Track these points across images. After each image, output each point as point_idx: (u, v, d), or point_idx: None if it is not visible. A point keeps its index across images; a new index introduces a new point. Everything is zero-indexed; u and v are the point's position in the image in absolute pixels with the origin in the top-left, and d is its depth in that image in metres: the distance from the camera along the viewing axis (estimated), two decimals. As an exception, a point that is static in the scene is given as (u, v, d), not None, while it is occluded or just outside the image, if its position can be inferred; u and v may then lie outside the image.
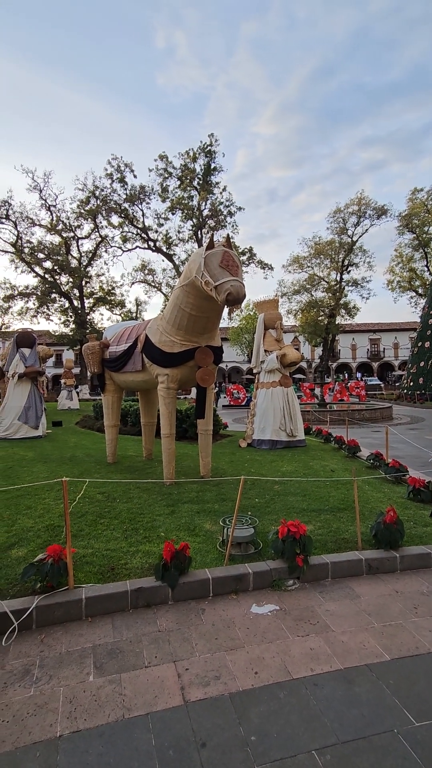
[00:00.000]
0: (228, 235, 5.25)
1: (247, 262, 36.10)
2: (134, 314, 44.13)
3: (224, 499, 5.22)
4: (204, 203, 34.08)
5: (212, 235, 5.13)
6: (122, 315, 40.36)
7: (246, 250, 35.81)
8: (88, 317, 34.80)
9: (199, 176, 34.86)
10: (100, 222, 33.05)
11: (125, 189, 31.87)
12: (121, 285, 37.65)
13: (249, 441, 9.63)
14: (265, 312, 9.85)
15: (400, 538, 3.63)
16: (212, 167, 34.41)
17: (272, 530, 3.69)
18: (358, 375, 53.98)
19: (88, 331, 32.86)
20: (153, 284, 35.69)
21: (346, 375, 53.34)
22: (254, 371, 10.06)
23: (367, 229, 31.88)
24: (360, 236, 31.90)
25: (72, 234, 33.16)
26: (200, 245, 34.72)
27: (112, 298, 37.22)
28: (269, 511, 4.75)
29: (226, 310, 5.21)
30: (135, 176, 32.34)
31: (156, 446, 8.48)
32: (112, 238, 34.74)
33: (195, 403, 6.56)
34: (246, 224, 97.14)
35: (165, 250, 35.18)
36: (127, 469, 7.10)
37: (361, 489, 5.61)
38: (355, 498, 3.83)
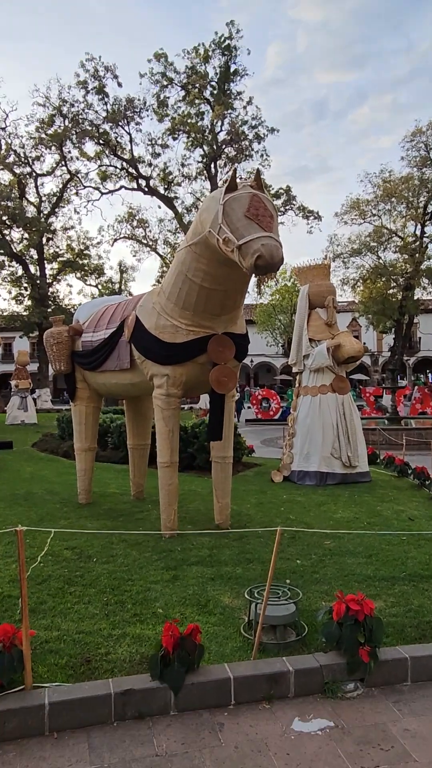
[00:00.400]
0: (257, 170, 5.27)
1: (282, 209, 36.21)
2: (118, 285, 44.75)
3: (250, 560, 5.23)
4: (220, 122, 34.33)
5: (234, 169, 5.16)
6: (100, 287, 40.94)
7: (281, 190, 35.94)
8: (51, 290, 35.35)
9: (214, 83, 35.15)
10: (69, 152, 33.62)
11: (105, 104, 32.35)
12: (98, 243, 38.42)
13: (286, 473, 9.64)
14: (311, 283, 9.85)
15: None
16: (232, 70, 34.67)
17: (323, 608, 3.67)
18: (450, 375, 53.36)
19: (50, 310, 33.41)
20: (145, 242, 36.05)
21: (429, 375, 52.74)
22: (294, 370, 10.06)
23: (461, 158, 31.52)
24: (451, 169, 31.56)
25: (28, 169, 33.80)
26: (214, 185, 34.95)
27: (86, 261, 37.76)
28: (317, 578, 4.74)
29: (253, 280, 5.23)
30: (120, 85, 33.19)
31: (150, 480, 8.53)
32: (86, 174, 35.35)
33: (207, 417, 6.59)
34: (281, 152, 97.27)
35: (162, 191, 35.57)
36: (108, 514, 7.17)
37: (454, 547, 5.54)
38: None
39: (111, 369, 6.80)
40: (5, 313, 35.88)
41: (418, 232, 32.27)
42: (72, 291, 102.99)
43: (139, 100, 31.98)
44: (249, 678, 3.23)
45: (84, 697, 3.02)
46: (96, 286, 40.74)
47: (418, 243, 31.35)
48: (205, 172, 34.50)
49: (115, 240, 37.73)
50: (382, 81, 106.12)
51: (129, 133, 33.13)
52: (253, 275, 4.95)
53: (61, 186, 34.58)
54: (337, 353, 9.40)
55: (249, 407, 29.26)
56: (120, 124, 32.69)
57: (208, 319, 5.80)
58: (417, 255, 30.45)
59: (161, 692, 3.10)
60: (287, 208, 36.63)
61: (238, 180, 5.05)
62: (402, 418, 19.77)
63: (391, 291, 32.23)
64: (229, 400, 6.30)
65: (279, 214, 37.11)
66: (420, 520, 6.68)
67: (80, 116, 31.96)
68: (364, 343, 9.63)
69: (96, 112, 32.43)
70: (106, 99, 32.23)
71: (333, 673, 3.33)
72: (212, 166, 35.12)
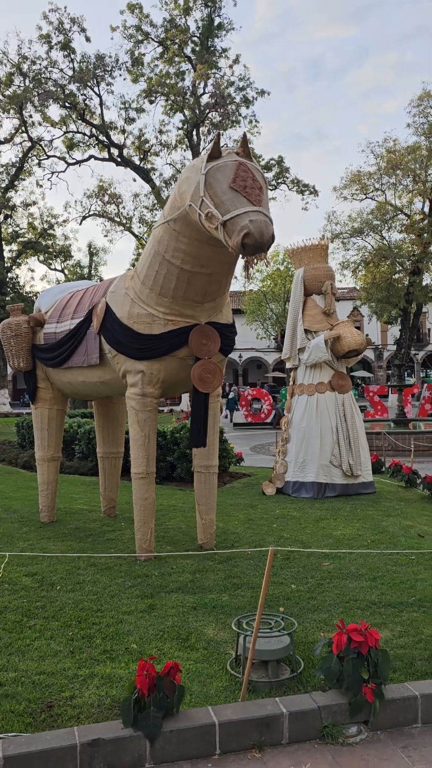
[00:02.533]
0: (244, 134, 5.22)
1: (274, 183, 36.29)
2: (87, 270, 44.50)
3: (238, 586, 5.20)
4: (203, 84, 34.30)
5: (218, 134, 5.11)
6: (67, 271, 40.71)
7: (272, 161, 36.01)
8: (10, 275, 35.04)
9: (195, 39, 35.09)
10: (30, 116, 33.32)
11: (72, 61, 32.12)
12: (64, 221, 37.91)
13: (279, 484, 9.64)
14: (307, 266, 9.84)
15: None
16: (216, 24, 34.66)
17: (322, 640, 3.64)
18: (463, 371, 53.88)
19: (8, 298, 33.09)
20: (118, 220, 35.86)
21: (442, 371, 53.28)
22: (288, 366, 10.06)
23: None
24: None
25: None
26: (197, 154, 34.88)
27: (51, 242, 37.49)
28: (315, 605, 4.71)
29: (240, 262, 5.19)
30: (88, 40, 32.69)
31: (123, 494, 8.46)
32: (50, 142, 35.06)
33: (189, 420, 6.53)
34: (273, 118, 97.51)
35: (138, 162, 35.43)
36: (74, 534, 7.09)
37: (471, 567, 5.56)
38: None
39: (78, 365, 6.72)
40: None
41: (426, 209, 32.56)
42: (34, 276, 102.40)
43: (110, 57, 31.80)
44: (236, 723, 3.18)
45: (45, 749, 2.95)
46: (62, 270, 40.54)
47: (426, 221, 31.59)
48: (186, 140, 34.41)
49: (84, 217, 37.47)
50: (385, 37, 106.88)
51: (99, 95, 32.94)
52: (241, 256, 4.91)
53: (21, 156, 34.27)
54: (337, 346, 9.41)
55: (238, 408, 29.26)
56: (89, 84, 32.46)
57: (189, 306, 5.75)
58: (425, 235, 30.66)
59: (135, 742, 3.04)
60: (280, 181, 36.72)
61: (222, 147, 5.00)
62: (410, 421, 19.88)
63: (396, 276, 32.45)
64: (213, 400, 6.26)
65: (270, 188, 37.30)
66: (427, 536, 6.69)
67: (43, 75, 31.68)
68: (367, 335, 9.64)
69: (61, 70, 32.20)
70: (72, 56, 32.02)
71: (333, 715, 3.30)
72: (194, 133, 35.07)
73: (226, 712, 3.23)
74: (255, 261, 5.35)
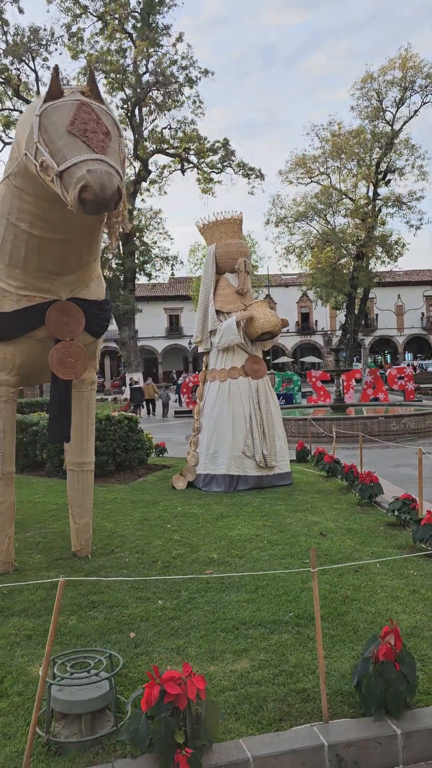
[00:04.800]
0: (91, 70, 4.39)
1: (220, 166, 35.37)
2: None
3: (95, 605, 4.46)
4: (144, 61, 32.99)
5: (56, 69, 4.27)
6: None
7: (217, 144, 35.02)
8: None
9: (137, 14, 33.71)
10: (-39, 92, 31.43)
11: (5, 33, 30.36)
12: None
13: (191, 478, 8.91)
14: (218, 242, 9.06)
15: (408, 692, 2.91)
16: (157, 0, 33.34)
17: (137, 690, 2.91)
18: (408, 356, 54.34)
19: None
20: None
21: (388, 356, 53.61)
22: (199, 350, 9.32)
23: (417, 111, 31.53)
24: (406, 122, 31.52)
25: None
26: (140, 135, 33.66)
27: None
28: (174, 628, 3.99)
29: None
30: (21, 11, 30.90)
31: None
32: (-16, 120, 33.18)
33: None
34: (226, 103, 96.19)
35: (78, 142, 33.84)
36: None
37: (365, 573, 4.92)
38: (316, 608, 3.07)
39: None
40: None
41: (370, 194, 32.24)
42: None
43: (45, 30, 30.17)
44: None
45: None
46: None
47: (370, 206, 31.27)
48: (127, 119, 33.13)
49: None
50: (338, 24, 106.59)
51: (35, 71, 31.36)
52: (82, 212, 4.11)
53: None
54: (250, 328, 8.69)
55: (181, 397, 28.42)
56: (24, 59, 30.82)
57: (45, 280, 4.90)
58: (369, 219, 30.35)
59: None
60: (225, 164, 35.80)
61: (62, 86, 4.15)
62: (348, 406, 19.46)
63: (341, 261, 32.09)
64: (87, 388, 5.46)
65: (216, 171, 36.42)
66: (334, 536, 6.06)
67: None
68: (284, 319, 8.96)
69: (-8, 44, 30.43)
70: (5, 28, 30.29)
71: (142, 788, 2.57)
72: (136, 111, 33.84)
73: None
74: (118, 225, 4.56)
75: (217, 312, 8.89)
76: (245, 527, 6.48)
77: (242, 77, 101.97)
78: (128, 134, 33.95)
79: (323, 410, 20.47)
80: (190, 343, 53.58)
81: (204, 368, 9.21)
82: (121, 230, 4.63)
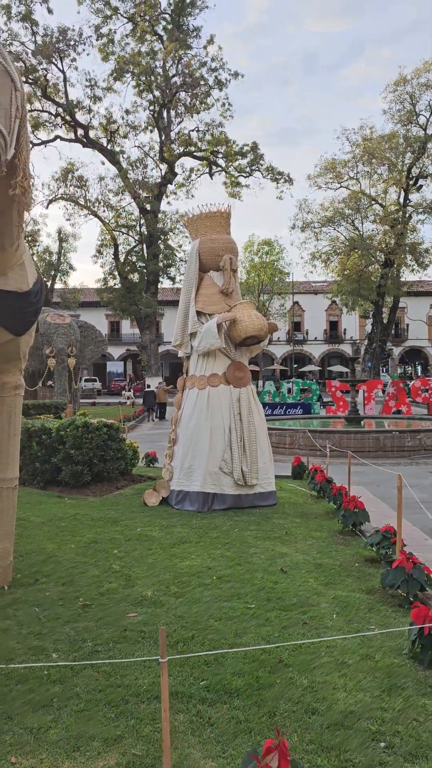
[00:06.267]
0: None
1: (247, 169, 34.60)
2: (56, 256, 42.72)
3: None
4: (173, 63, 32.50)
5: None
6: (36, 257, 38.85)
7: (246, 147, 34.24)
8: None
9: (167, 16, 33.29)
10: (-8, 92, 31.43)
11: (34, 33, 30.25)
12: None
13: (165, 493, 8.11)
14: (203, 237, 8.26)
15: None
16: (188, 1, 32.85)
17: None
18: (439, 368, 52.47)
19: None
20: (81, 203, 34.10)
21: (419, 368, 51.87)
22: (180, 354, 8.53)
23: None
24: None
25: None
26: (167, 137, 33.14)
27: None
28: (51, 698, 3.21)
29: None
30: (50, 12, 30.73)
31: None
32: (13, 121, 33.13)
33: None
34: (265, 111, 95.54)
35: (105, 143, 33.62)
36: None
37: (315, 627, 4.03)
38: (164, 706, 2.25)
39: None
40: None
41: (401, 200, 30.99)
42: None
43: (72, 30, 29.93)
44: None
45: None
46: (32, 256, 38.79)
47: (400, 212, 30.04)
48: (153, 120, 32.66)
49: (51, 201, 35.72)
50: (381, 32, 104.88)
51: (63, 71, 31.13)
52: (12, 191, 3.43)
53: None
54: (233, 331, 7.86)
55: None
56: (52, 59, 30.63)
57: None
58: (399, 226, 29.12)
59: None
60: (253, 168, 35.07)
61: None
62: (365, 418, 18.38)
63: (368, 268, 30.90)
64: (7, 393, 4.73)
65: (244, 175, 35.67)
66: (298, 572, 5.18)
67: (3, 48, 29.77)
68: (274, 322, 8.11)
69: (22, 44, 30.36)
70: (34, 28, 30.17)
71: None
72: (164, 113, 33.36)
73: None
74: (17, 198, 3.84)
75: (199, 313, 8.07)
76: (200, 557, 5.64)
77: (282, 85, 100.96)
78: (155, 136, 33.57)
79: (341, 422, 19.41)
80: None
81: (184, 374, 8.41)
82: (26, 207, 3.93)
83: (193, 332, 8.06)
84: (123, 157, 33.53)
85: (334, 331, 54.10)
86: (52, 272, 40.81)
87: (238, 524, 6.91)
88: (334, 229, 31.21)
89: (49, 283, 39.23)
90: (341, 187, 32.08)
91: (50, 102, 32.17)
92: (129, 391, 38.60)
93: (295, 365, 51.69)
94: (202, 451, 7.74)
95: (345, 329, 53.44)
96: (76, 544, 6.08)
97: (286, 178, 35.07)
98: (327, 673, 3.44)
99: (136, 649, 3.76)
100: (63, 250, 42.29)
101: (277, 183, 35.33)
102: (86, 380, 51.06)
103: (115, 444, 9.65)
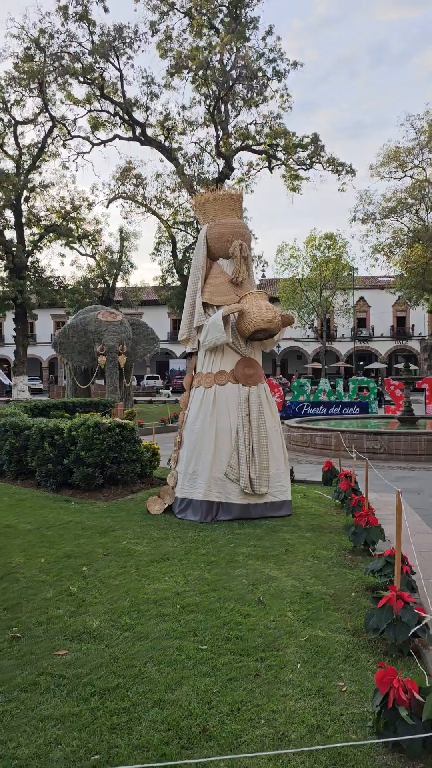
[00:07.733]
0: None
1: (308, 162, 33.40)
2: (118, 255, 42.98)
3: None
4: (229, 55, 31.76)
5: None
6: (98, 257, 39.17)
7: (305, 139, 33.04)
8: (31, 259, 33.86)
9: (224, 7, 32.57)
10: (54, 94, 31.83)
11: (91, 33, 30.32)
12: (90, 204, 36.31)
13: (169, 501, 7.46)
14: (211, 222, 7.54)
15: None
16: (246, -8, 32.00)
17: None
18: None
19: (29, 283, 32.01)
20: (138, 200, 33.97)
21: None
22: (187, 349, 7.86)
23: None
24: None
25: (5, 116, 32.23)
26: (224, 131, 32.48)
27: (77, 226, 35.97)
28: None
29: None
30: (106, 10, 30.62)
31: None
32: (74, 121, 33.49)
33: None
34: (332, 105, 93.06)
35: (162, 141, 33.32)
36: None
37: (271, 680, 3.26)
38: None
39: None
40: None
41: (470, 187, 28.98)
42: (64, 262, 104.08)
43: (128, 28, 29.73)
44: None
45: None
46: (93, 255, 39.10)
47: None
48: (209, 115, 32.04)
49: (111, 200, 35.86)
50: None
51: (119, 69, 31.02)
52: None
53: (43, 136, 32.89)
54: (242, 324, 7.10)
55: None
56: (109, 58, 30.59)
57: None
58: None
59: None
60: (314, 160, 33.82)
61: None
62: (418, 418, 17.04)
63: (432, 260, 29.08)
64: None
65: (304, 168, 34.47)
66: (278, 604, 4.38)
67: (62, 50, 30.04)
68: (290, 314, 7.25)
69: (80, 44, 30.48)
70: (91, 28, 30.21)
71: None
72: (222, 108, 32.66)
73: None
74: None
75: (205, 305, 7.36)
76: (174, 578, 4.93)
77: (351, 77, 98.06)
78: (212, 131, 32.97)
79: (395, 423, 18.16)
80: (278, 347, 51.82)
81: (192, 371, 7.72)
82: None
83: (199, 326, 7.36)
84: (180, 154, 33.12)
85: (401, 327, 51.75)
86: (114, 271, 41.07)
87: (236, 538, 6.15)
88: (397, 220, 29.55)
89: (110, 282, 39.42)
90: (405, 176, 30.38)
91: (108, 101, 32.18)
92: (168, 389, 38.30)
93: (361, 362, 49.83)
94: (206, 456, 7.03)
95: (413, 325, 50.99)
96: (48, 558, 5.52)
97: (348, 169, 33.59)
98: (256, 750, 2.68)
99: (42, 700, 3.12)
100: (124, 249, 42.45)
101: (339, 175, 33.93)
102: (148, 378, 51.38)
103: (129, 445, 9.08)
